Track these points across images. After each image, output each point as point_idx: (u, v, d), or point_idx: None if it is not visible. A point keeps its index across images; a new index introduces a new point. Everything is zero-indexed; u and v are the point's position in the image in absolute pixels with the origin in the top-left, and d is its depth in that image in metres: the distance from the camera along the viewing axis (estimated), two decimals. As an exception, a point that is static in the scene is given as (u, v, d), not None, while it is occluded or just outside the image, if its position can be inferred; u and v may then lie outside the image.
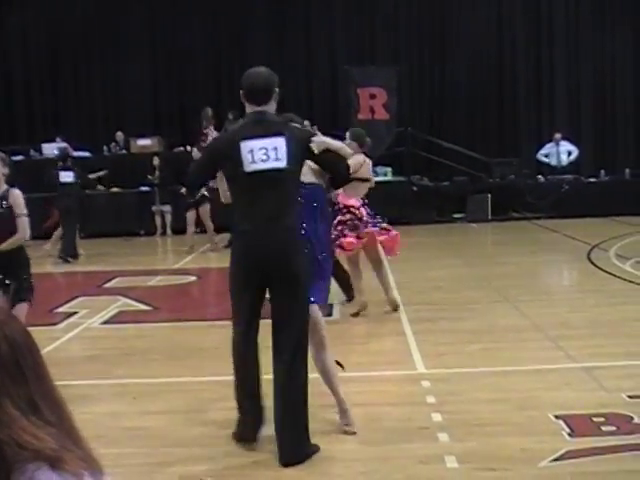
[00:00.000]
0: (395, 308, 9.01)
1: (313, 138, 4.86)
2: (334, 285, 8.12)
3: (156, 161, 17.67)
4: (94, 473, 1.41)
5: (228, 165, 4.84)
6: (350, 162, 8.42)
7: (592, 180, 19.99)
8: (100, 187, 18.10)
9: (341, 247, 8.61)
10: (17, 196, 6.20)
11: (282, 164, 4.72)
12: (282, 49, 21.59)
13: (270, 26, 21.54)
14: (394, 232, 8.98)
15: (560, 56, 21.57)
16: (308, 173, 5.10)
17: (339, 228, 8.61)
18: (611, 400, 5.59)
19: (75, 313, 9.70)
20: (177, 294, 11.28)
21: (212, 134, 16.23)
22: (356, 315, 8.76)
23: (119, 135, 19.91)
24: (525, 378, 6.30)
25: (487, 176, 19.71)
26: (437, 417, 5.42)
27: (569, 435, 4.98)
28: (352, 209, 8.75)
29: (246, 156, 4.71)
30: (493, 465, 4.59)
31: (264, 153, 4.70)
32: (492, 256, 14.15)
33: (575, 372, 6.40)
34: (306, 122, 9.13)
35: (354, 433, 5.17)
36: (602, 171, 20.33)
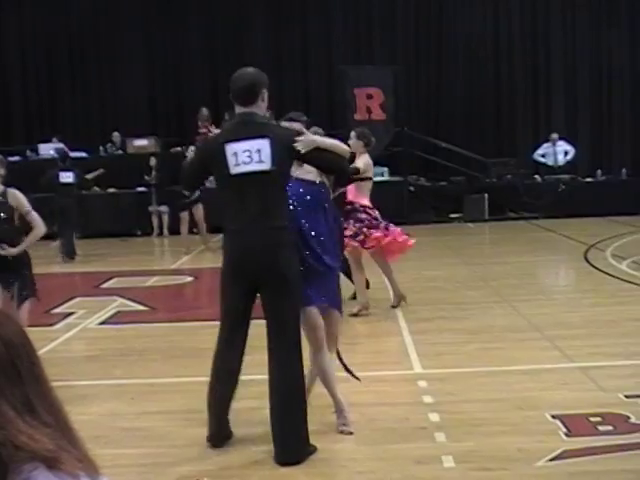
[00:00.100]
0: (404, 299, 9.20)
1: (299, 137, 4.79)
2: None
3: (153, 161, 17.66)
4: (90, 474, 1.41)
5: (215, 167, 4.88)
6: (360, 164, 8.58)
7: (589, 180, 20.02)
8: (96, 188, 18.08)
9: (362, 243, 8.72)
10: (18, 195, 6.27)
11: (266, 166, 4.71)
12: (279, 49, 21.61)
13: (267, 26, 21.54)
14: (403, 236, 9.04)
15: (556, 56, 21.58)
16: (312, 171, 5.08)
17: (357, 225, 8.73)
18: (608, 400, 5.59)
19: (72, 313, 9.69)
20: (174, 294, 11.29)
21: (214, 132, 16.25)
22: (355, 315, 8.77)
23: (115, 135, 19.89)
24: (522, 378, 6.30)
25: (484, 176, 19.73)
26: (434, 417, 5.43)
27: (566, 435, 4.99)
28: (367, 209, 8.89)
29: (230, 158, 4.74)
30: (490, 465, 4.60)
31: (247, 155, 4.71)
32: (489, 256, 14.17)
33: (572, 372, 6.41)
34: (315, 128, 9.14)
35: (351, 433, 5.18)
36: (599, 171, 20.35)
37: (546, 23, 21.63)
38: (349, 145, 8.81)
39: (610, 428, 5.06)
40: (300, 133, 4.85)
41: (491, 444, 4.90)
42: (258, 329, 4.96)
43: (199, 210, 14.92)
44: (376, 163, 9.42)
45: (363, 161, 8.68)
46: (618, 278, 10.58)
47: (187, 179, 5.56)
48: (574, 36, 21.63)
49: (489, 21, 21.72)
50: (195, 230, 15.47)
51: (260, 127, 4.81)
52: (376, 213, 8.96)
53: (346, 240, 8.65)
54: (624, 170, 20.30)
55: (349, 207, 8.82)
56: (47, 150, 18.35)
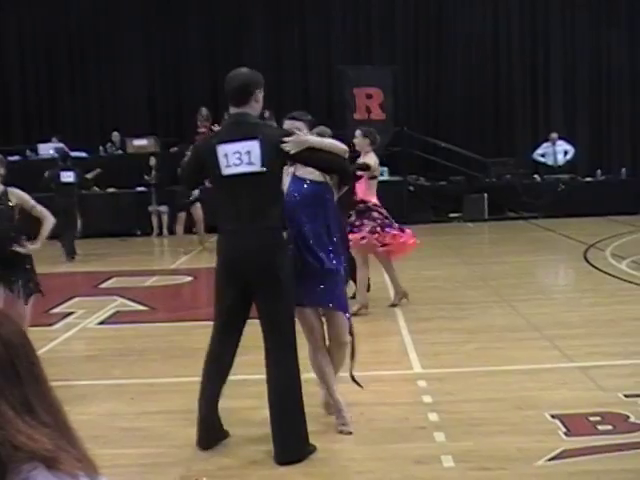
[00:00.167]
0: (406, 296, 9.29)
1: (288, 138, 4.73)
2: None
3: (152, 161, 17.67)
4: (90, 474, 1.41)
5: (208, 167, 4.88)
6: (371, 161, 8.60)
7: (588, 179, 20.03)
8: (95, 188, 18.08)
9: (380, 240, 8.81)
10: (19, 193, 6.38)
11: (255, 168, 4.69)
12: (278, 49, 21.63)
13: (266, 26, 21.55)
14: (413, 239, 9.07)
15: (556, 55, 21.59)
16: (314, 171, 5.07)
17: (372, 223, 8.82)
18: (607, 399, 5.60)
19: (72, 313, 9.70)
20: (174, 294, 11.29)
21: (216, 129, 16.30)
22: (354, 314, 8.75)
23: (115, 135, 19.90)
24: (521, 377, 6.30)
25: (483, 176, 19.74)
26: (433, 417, 5.43)
27: (565, 434, 4.99)
28: (379, 208, 8.98)
29: (222, 159, 4.75)
30: (489, 465, 4.60)
31: (237, 157, 4.71)
32: (488, 256, 14.17)
33: (571, 371, 6.41)
34: (322, 128, 9.16)
35: (350, 433, 5.18)
36: (598, 170, 20.36)
37: (545, 23, 21.64)
38: (354, 144, 8.95)
39: (609, 427, 5.06)
40: (290, 133, 4.79)
41: (490, 444, 4.90)
42: (254, 328, 4.96)
43: (198, 210, 14.92)
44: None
45: (372, 159, 8.74)
46: (617, 278, 10.59)
47: (186, 178, 5.60)
48: (573, 36, 21.64)
49: (488, 21, 21.73)
50: (194, 230, 15.47)
51: (251, 128, 4.78)
52: (385, 212, 9.05)
53: (365, 236, 8.73)
54: (624, 170, 20.31)
55: (362, 206, 8.90)
56: (47, 150, 18.36)
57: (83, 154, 18.61)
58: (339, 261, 5.08)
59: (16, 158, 17.82)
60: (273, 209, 4.77)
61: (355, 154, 9.08)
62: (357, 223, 8.86)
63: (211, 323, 5.11)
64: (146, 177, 17.70)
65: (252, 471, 4.73)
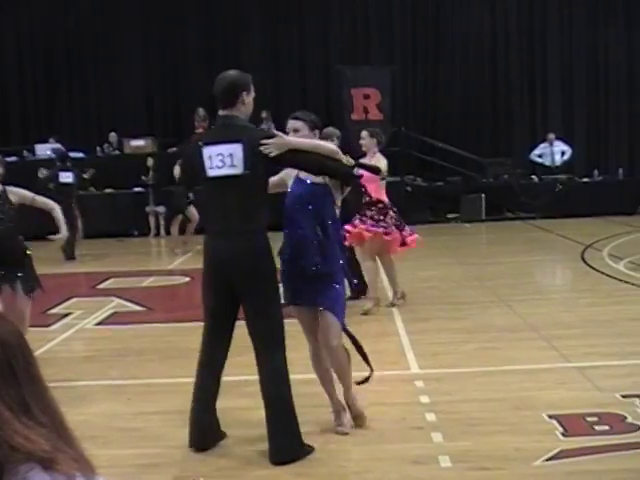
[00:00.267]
0: (404, 297, 9.31)
1: (268, 140, 4.68)
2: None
3: (150, 162, 17.65)
4: (87, 474, 1.41)
5: (195, 168, 4.90)
6: (381, 164, 8.63)
7: (586, 180, 20.05)
8: (91, 188, 18.07)
9: (403, 238, 8.98)
10: (17, 191, 6.52)
11: (237, 170, 4.68)
12: (276, 49, 21.62)
13: (264, 26, 21.54)
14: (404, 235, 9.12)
15: (553, 56, 21.60)
16: None
17: (390, 222, 8.94)
18: (604, 400, 5.60)
19: (69, 314, 9.69)
20: (171, 295, 11.28)
21: None
22: (366, 314, 8.83)
23: (112, 136, 19.88)
24: (519, 378, 6.30)
25: (481, 176, 19.75)
26: (431, 417, 5.43)
27: (563, 434, 4.99)
28: (393, 208, 9.10)
29: (207, 161, 4.76)
30: (487, 465, 4.60)
31: (220, 159, 4.71)
32: (486, 256, 14.17)
33: (569, 372, 6.42)
34: (330, 129, 9.25)
35: (346, 434, 5.18)
36: (595, 171, 20.38)
37: (543, 22, 21.64)
38: (359, 145, 8.98)
39: (607, 428, 5.06)
40: (271, 136, 4.75)
41: (488, 444, 4.90)
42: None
43: (193, 211, 14.91)
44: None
45: (383, 162, 8.80)
46: (615, 278, 10.59)
47: (183, 179, 5.65)
48: (571, 35, 21.64)
49: (486, 20, 21.72)
50: (193, 231, 15.48)
51: (236, 131, 4.75)
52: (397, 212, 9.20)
53: (391, 232, 8.78)
54: (621, 170, 20.33)
55: (381, 205, 8.98)
56: (44, 151, 18.34)
57: (80, 155, 18.59)
58: (336, 263, 5.04)
59: (13, 159, 17.79)
60: (258, 212, 4.77)
61: (359, 155, 9.14)
62: (379, 217, 8.91)
63: (208, 324, 5.11)
64: (143, 178, 17.69)
65: (249, 472, 4.73)
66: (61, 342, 8.34)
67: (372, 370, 5.26)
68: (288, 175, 5.13)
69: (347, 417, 5.28)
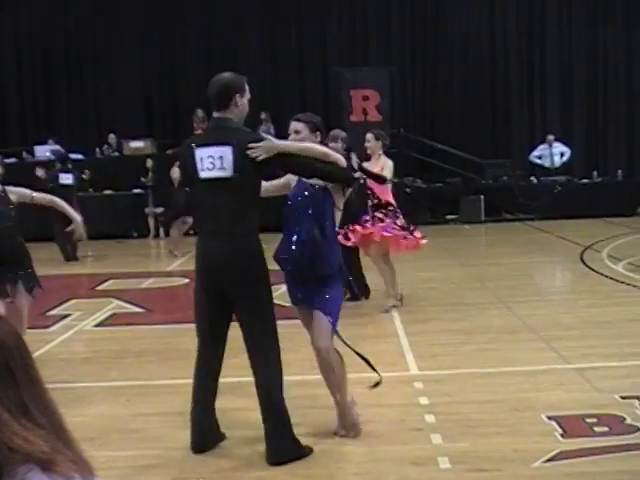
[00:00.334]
0: (401, 299, 9.32)
1: (256, 144, 4.66)
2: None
3: (149, 163, 17.65)
4: (85, 476, 1.41)
5: (188, 169, 4.93)
6: (388, 172, 8.69)
7: (585, 181, 20.05)
8: (90, 190, 18.05)
9: (411, 243, 8.99)
10: (16, 190, 6.57)
11: (227, 173, 4.69)
12: (274, 50, 21.62)
13: (262, 26, 21.55)
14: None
15: (552, 57, 21.61)
16: None
17: (401, 224, 8.97)
18: (604, 401, 5.60)
19: (68, 315, 9.69)
20: (170, 296, 11.27)
21: None
22: (391, 309, 9.02)
23: (112, 137, 19.88)
24: (518, 379, 6.30)
25: (480, 177, 19.76)
26: (430, 418, 5.43)
27: (562, 436, 4.99)
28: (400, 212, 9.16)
29: (198, 163, 4.78)
30: (486, 466, 4.60)
31: (211, 162, 4.72)
32: (485, 257, 14.17)
33: (568, 373, 6.41)
34: (337, 131, 9.28)
35: (344, 436, 5.17)
36: (594, 172, 20.38)
37: (542, 22, 21.64)
38: (358, 146, 9.02)
39: (606, 429, 5.06)
40: (260, 139, 4.73)
41: (487, 445, 4.90)
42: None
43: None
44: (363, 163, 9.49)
45: (388, 167, 8.82)
46: (614, 279, 10.60)
47: (183, 179, 5.67)
48: (570, 35, 21.63)
49: (485, 20, 21.73)
50: (192, 232, 15.49)
51: (227, 133, 4.75)
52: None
53: (407, 236, 8.91)
54: (620, 171, 20.33)
55: (391, 208, 9.00)
56: (43, 152, 18.34)
57: (80, 156, 18.60)
58: (334, 266, 5.02)
59: (12, 160, 17.78)
60: (248, 214, 4.77)
61: (363, 157, 9.19)
62: (393, 220, 8.94)
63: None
64: (143, 179, 17.69)
65: (247, 473, 4.73)
66: (60, 343, 8.34)
67: (379, 374, 5.21)
68: (293, 178, 5.13)
69: (350, 421, 5.26)
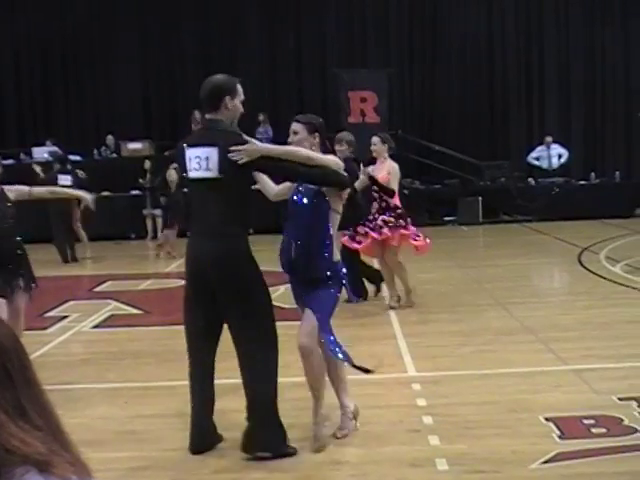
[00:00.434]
0: (399, 301, 9.37)
1: (238, 147, 4.65)
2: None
3: (147, 165, 17.64)
4: (83, 477, 1.41)
5: (180, 169, 5.04)
6: (394, 170, 8.70)
7: (582, 183, 20.05)
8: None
9: (418, 246, 9.17)
10: (13, 188, 6.58)
11: (212, 174, 4.72)
12: (273, 51, 21.62)
13: (260, 27, 21.54)
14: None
15: (550, 57, 21.60)
16: None
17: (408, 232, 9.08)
18: (601, 402, 5.60)
19: (66, 317, 9.68)
20: (168, 298, 11.24)
21: None
22: (409, 306, 9.25)
23: (109, 139, 19.87)
24: (515, 380, 6.31)
25: (478, 179, 19.76)
26: (428, 420, 5.43)
27: (559, 437, 4.99)
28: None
29: (187, 163, 4.84)
30: (483, 467, 4.60)
31: (197, 162, 4.77)
32: (483, 259, 14.17)
33: (565, 374, 6.42)
34: (344, 134, 9.30)
35: (343, 437, 5.17)
36: (592, 174, 20.38)
37: (540, 26, 21.64)
38: (367, 150, 9.05)
39: (603, 430, 5.07)
40: (244, 142, 4.72)
41: (485, 447, 4.91)
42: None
43: None
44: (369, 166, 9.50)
45: (394, 171, 8.84)
46: (611, 281, 10.60)
47: (180, 180, 5.71)
48: (568, 34, 21.63)
49: (483, 21, 21.72)
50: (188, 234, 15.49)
51: (215, 135, 4.78)
52: None
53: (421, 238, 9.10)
54: (617, 173, 20.34)
55: (399, 211, 9.08)
56: (41, 153, 18.32)
57: (78, 158, 18.57)
58: (332, 268, 5.00)
59: (10, 162, 17.76)
60: (236, 216, 4.79)
61: (368, 160, 9.23)
62: (405, 223, 9.00)
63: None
64: (141, 181, 17.68)
65: (245, 474, 4.73)
66: (58, 345, 8.34)
67: (368, 370, 5.23)
68: None
69: (353, 423, 5.27)
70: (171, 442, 5.20)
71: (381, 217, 8.97)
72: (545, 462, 4.62)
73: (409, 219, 9.16)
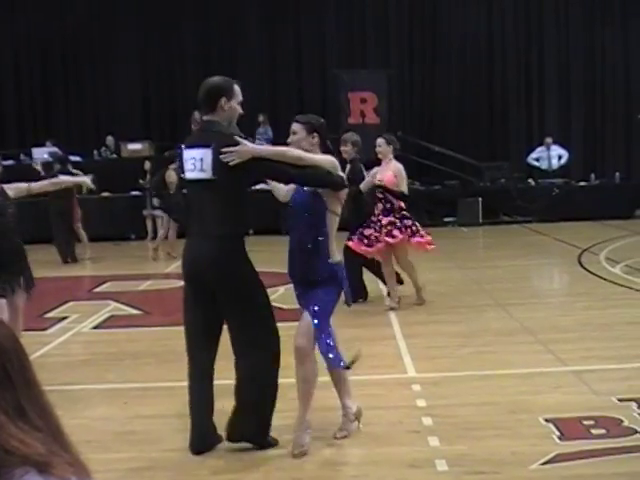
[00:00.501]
0: (398, 302, 9.35)
1: (230, 148, 4.65)
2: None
3: (147, 165, 17.62)
4: (82, 478, 1.41)
5: (179, 170, 5.07)
6: (400, 171, 8.71)
7: (582, 184, 20.04)
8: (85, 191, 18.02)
9: (425, 244, 9.18)
10: (12, 185, 6.64)
11: (206, 175, 4.74)
12: (272, 52, 21.62)
13: (260, 28, 21.53)
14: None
15: (550, 57, 21.60)
16: None
17: (415, 229, 9.11)
18: (601, 403, 5.61)
19: (66, 318, 9.68)
20: (168, 298, 11.24)
21: None
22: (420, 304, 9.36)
23: (109, 139, 19.88)
24: (515, 381, 6.31)
25: (478, 180, 19.75)
26: (428, 421, 5.43)
27: (559, 438, 4.99)
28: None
29: (184, 164, 4.88)
30: (483, 469, 4.60)
31: (192, 163, 4.80)
32: (483, 260, 14.17)
33: (565, 375, 6.42)
34: (350, 134, 9.29)
35: (342, 438, 5.17)
36: (592, 175, 20.39)
37: (540, 26, 21.64)
38: (373, 152, 9.05)
39: (603, 431, 5.07)
40: (236, 143, 4.70)
41: (484, 448, 4.91)
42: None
43: None
44: (369, 168, 9.50)
45: (400, 173, 8.86)
46: (611, 282, 10.60)
47: (179, 181, 5.74)
48: (567, 35, 21.63)
49: (482, 21, 21.71)
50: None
51: (210, 136, 4.79)
52: None
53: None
54: (617, 174, 20.33)
55: (404, 212, 9.11)
56: (41, 154, 18.30)
57: (78, 158, 18.57)
58: (331, 270, 4.98)
59: (10, 162, 17.75)
60: (232, 217, 4.80)
61: (373, 162, 9.23)
62: (412, 224, 9.09)
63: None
64: (141, 181, 17.66)
65: (245, 475, 4.73)
66: (57, 346, 8.33)
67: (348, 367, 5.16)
68: None
69: (354, 424, 5.26)
70: (171, 443, 5.20)
71: (385, 219, 8.96)
72: (545, 463, 4.62)
73: (414, 221, 9.16)
